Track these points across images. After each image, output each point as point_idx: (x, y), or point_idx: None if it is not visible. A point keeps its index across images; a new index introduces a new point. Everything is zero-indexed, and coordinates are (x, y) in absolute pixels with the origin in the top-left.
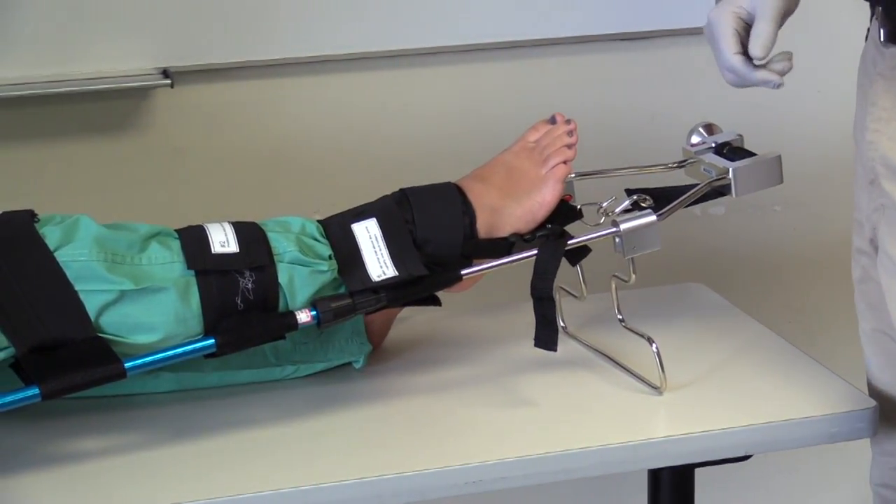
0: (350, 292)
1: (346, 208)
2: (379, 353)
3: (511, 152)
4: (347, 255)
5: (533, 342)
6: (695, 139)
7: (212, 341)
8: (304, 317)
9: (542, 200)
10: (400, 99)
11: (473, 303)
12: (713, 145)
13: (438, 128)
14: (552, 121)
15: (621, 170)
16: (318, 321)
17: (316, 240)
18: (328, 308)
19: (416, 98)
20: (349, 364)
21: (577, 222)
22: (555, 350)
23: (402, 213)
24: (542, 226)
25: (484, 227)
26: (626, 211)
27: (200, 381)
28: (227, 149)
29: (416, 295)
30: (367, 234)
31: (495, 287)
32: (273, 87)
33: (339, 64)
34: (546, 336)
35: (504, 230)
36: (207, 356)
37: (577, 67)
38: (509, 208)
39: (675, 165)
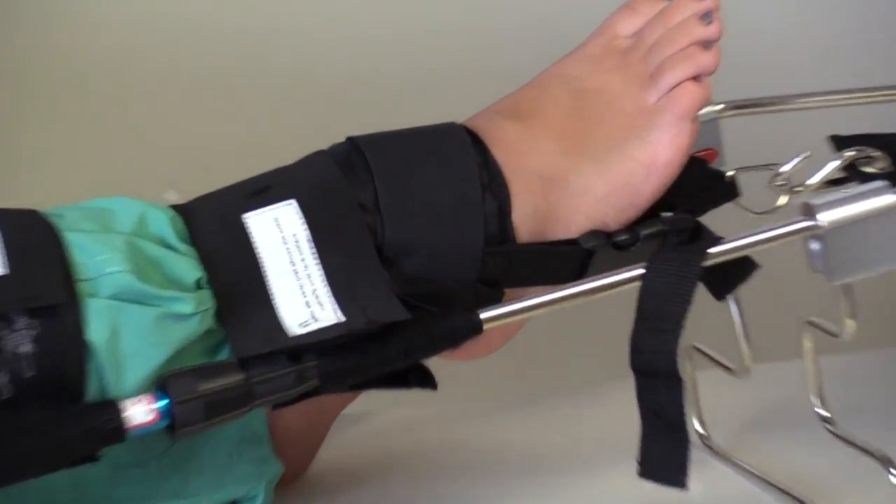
0: (241, 360)
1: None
2: (305, 484)
3: (582, 58)
4: (236, 282)
5: (637, 469)
6: None
7: None
8: (140, 412)
9: (653, 160)
10: None
11: (503, 384)
12: None
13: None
14: None
15: (817, 96)
16: (172, 422)
17: (169, 247)
18: (193, 393)
19: None
20: None
21: (729, 207)
22: (683, 485)
23: (352, 188)
24: (652, 215)
25: (528, 219)
26: (831, 183)
27: None
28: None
29: (382, 366)
30: (279, 234)
31: (548, 350)
32: None
33: None
34: (663, 455)
35: (570, 225)
36: None
37: None
38: (581, 178)
39: None
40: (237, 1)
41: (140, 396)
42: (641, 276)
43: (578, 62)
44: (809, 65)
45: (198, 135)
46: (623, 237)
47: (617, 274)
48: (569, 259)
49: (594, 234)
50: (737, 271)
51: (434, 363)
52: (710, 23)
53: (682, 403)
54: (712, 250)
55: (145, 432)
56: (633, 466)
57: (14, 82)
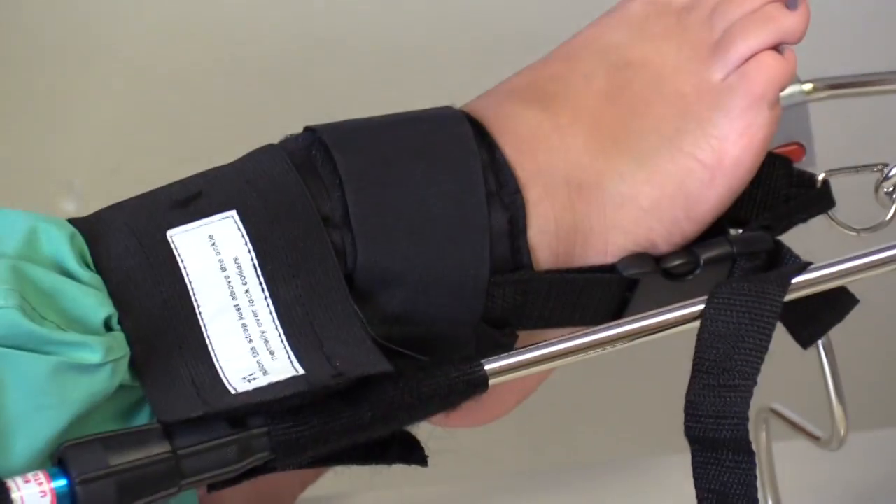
0: (165, 426)
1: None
2: None
3: (623, 20)
4: (158, 322)
5: None
6: None
7: None
8: (32, 495)
9: (718, 158)
10: None
11: (519, 457)
12: None
13: None
14: None
15: None
16: None
17: (69, 275)
18: (102, 470)
19: None
20: None
21: (818, 222)
22: None
23: (313, 196)
24: (717, 232)
25: (550, 238)
26: None
27: None
28: None
29: (354, 435)
30: (216, 258)
31: (577, 414)
32: None
33: None
34: None
35: (606, 245)
36: None
37: None
38: (622, 183)
39: None
40: None
41: (31, 474)
42: (701, 315)
43: (619, 25)
44: None
45: (102, 129)
46: (677, 262)
47: (668, 312)
48: (604, 291)
49: (638, 257)
50: (829, 309)
51: (424, 430)
52: None
53: (753, 483)
54: (797, 279)
55: None
56: None
57: None
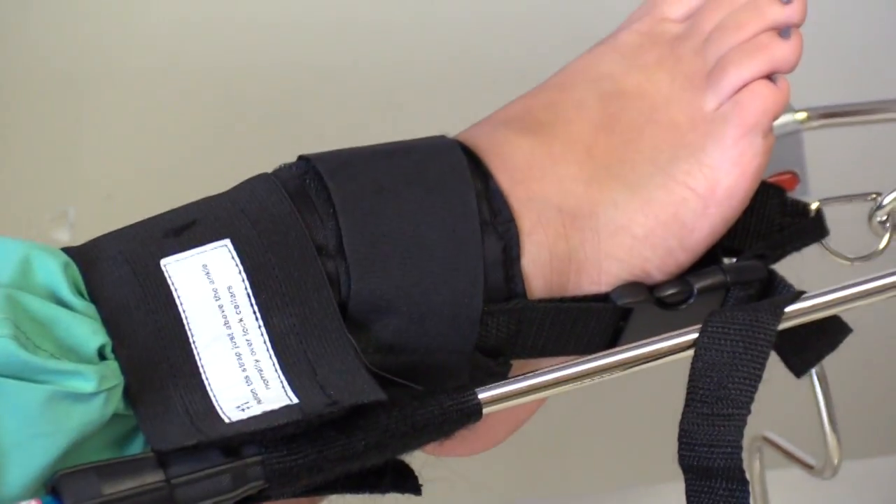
0: (159, 454)
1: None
2: None
3: (616, 50)
4: (152, 350)
5: None
6: None
7: None
8: None
9: (711, 188)
10: None
11: (513, 484)
12: None
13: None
14: None
15: None
16: None
17: (62, 304)
18: (94, 499)
19: None
20: None
21: (811, 251)
22: None
23: (307, 226)
24: (710, 261)
25: (544, 268)
26: None
27: None
28: None
29: (348, 463)
30: (209, 287)
31: (570, 443)
32: None
33: None
34: None
35: (599, 274)
36: None
37: None
38: (615, 211)
39: None
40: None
41: (25, 502)
42: (695, 344)
43: (612, 55)
44: None
45: (96, 155)
46: (671, 291)
47: (662, 340)
48: (598, 320)
49: (632, 286)
50: (822, 338)
51: (419, 458)
52: (789, 1)
53: None
54: (791, 308)
55: None
56: None
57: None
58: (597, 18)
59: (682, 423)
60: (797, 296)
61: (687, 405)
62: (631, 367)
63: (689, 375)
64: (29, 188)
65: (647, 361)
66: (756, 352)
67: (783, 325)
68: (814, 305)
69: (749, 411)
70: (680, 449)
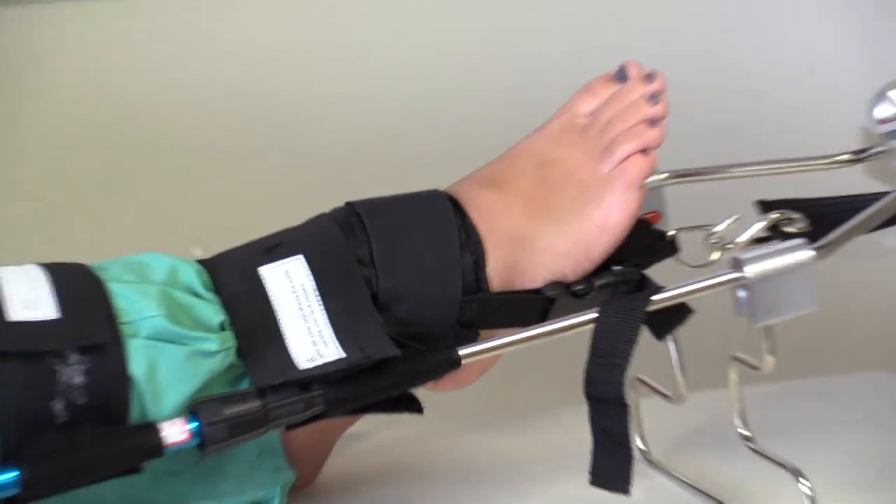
0: (259, 389)
1: (261, 235)
2: (315, 490)
3: (546, 134)
4: (254, 324)
5: (588, 478)
6: (884, 111)
7: (13, 475)
8: (175, 433)
9: (605, 222)
10: (337, 38)
11: (480, 407)
12: None
13: (416, 90)
14: (620, 76)
15: (747, 166)
16: (202, 441)
17: (197, 296)
18: (219, 417)
19: (368, 37)
20: None
21: (669, 261)
22: (627, 492)
23: (350, 246)
24: (604, 267)
25: (500, 272)
26: (757, 241)
27: None
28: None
29: (377, 395)
30: (289, 284)
31: (518, 380)
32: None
33: None
34: (611, 467)
35: (535, 276)
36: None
37: None
38: (545, 237)
39: (850, 158)
40: (258, 80)
41: (175, 420)
42: (595, 320)
43: (543, 138)
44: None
45: (220, 200)
46: (580, 287)
47: (574, 317)
48: (533, 305)
49: (555, 284)
50: (675, 316)
51: (421, 391)
52: (656, 103)
53: (627, 425)
54: (655, 298)
55: (179, 448)
56: (585, 476)
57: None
58: (536, 113)
59: (586, 369)
60: (659, 290)
61: (590, 357)
62: (555, 335)
63: (591, 339)
64: (177, 223)
65: (566, 331)
66: (634, 325)
67: (651, 308)
68: (669, 296)
69: (629, 362)
70: (585, 385)
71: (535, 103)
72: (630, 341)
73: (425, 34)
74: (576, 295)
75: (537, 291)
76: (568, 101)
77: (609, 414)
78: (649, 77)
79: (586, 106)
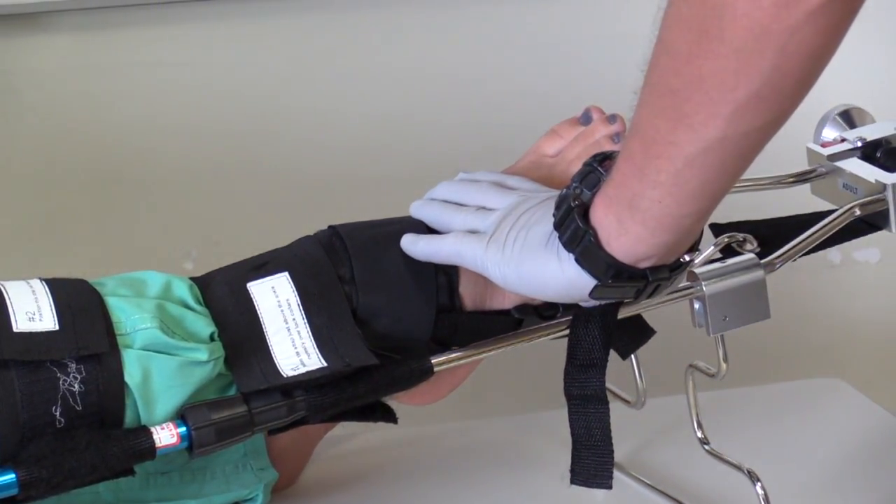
0: (245, 395)
1: (248, 255)
2: (295, 489)
3: (517, 171)
4: (241, 335)
5: (569, 477)
6: (829, 134)
7: (11, 477)
8: (166, 436)
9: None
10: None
11: (456, 414)
12: (859, 144)
13: (390, 115)
14: (584, 119)
15: None
16: (191, 444)
17: (188, 308)
18: (207, 422)
19: (351, 56)
20: None
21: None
22: (609, 487)
23: (332, 265)
24: None
25: (472, 292)
26: (712, 260)
27: None
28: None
29: (355, 401)
30: (275, 299)
31: (493, 388)
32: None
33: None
34: (591, 464)
35: (504, 298)
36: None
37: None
38: None
39: (794, 179)
40: (250, 104)
41: (166, 424)
42: (568, 332)
43: (514, 173)
44: None
45: (208, 215)
46: (548, 312)
47: (545, 330)
48: (503, 325)
49: (524, 307)
50: (638, 339)
51: (399, 406)
52: (616, 141)
53: (608, 421)
54: (623, 309)
55: (170, 451)
56: (559, 476)
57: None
58: (509, 151)
59: (566, 368)
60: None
61: (568, 360)
62: (524, 342)
63: (568, 343)
64: (168, 238)
65: (534, 339)
66: (607, 328)
67: (620, 316)
68: (635, 307)
69: (604, 364)
70: (565, 384)
71: (514, 127)
72: (606, 344)
73: (408, 58)
74: (543, 317)
75: (507, 313)
76: (535, 145)
77: (589, 411)
78: (611, 118)
79: (552, 148)
